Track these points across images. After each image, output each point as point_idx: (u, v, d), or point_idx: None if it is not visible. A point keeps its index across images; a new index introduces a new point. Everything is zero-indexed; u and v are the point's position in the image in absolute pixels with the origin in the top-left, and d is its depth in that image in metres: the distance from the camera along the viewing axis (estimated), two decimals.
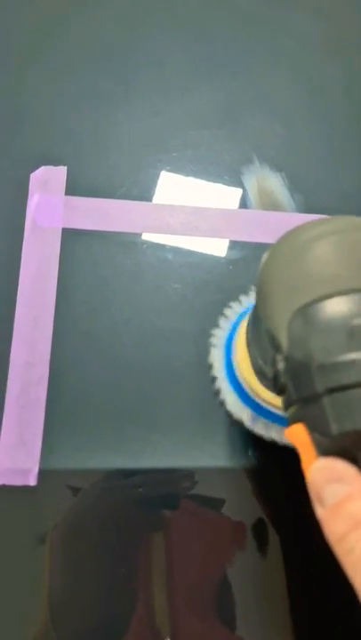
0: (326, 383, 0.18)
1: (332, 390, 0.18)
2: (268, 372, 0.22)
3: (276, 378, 0.21)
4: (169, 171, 0.38)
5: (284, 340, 0.20)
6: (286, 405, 0.21)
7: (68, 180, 0.37)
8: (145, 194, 0.37)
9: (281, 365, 0.20)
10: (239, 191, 0.37)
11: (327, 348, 0.18)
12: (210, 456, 0.32)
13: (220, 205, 0.37)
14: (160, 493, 0.31)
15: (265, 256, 0.22)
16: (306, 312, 0.19)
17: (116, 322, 0.34)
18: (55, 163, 0.37)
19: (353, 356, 0.18)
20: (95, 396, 0.33)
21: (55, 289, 0.34)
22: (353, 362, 0.18)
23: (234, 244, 0.36)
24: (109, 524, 0.30)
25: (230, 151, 0.38)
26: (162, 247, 0.36)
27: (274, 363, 0.21)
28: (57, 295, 0.34)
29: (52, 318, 0.34)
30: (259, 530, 0.30)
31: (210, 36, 0.42)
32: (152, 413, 0.32)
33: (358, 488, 0.17)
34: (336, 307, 0.19)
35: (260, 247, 0.36)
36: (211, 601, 0.29)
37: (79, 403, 0.32)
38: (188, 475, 0.31)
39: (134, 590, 0.29)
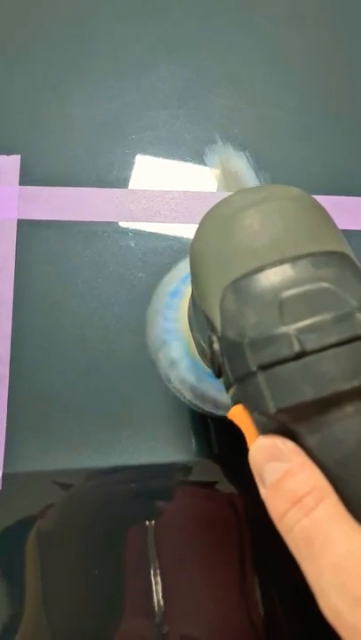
0: (258, 360, 0.17)
1: (265, 367, 0.17)
2: (208, 353, 0.21)
3: (213, 359, 0.20)
4: (128, 155, 0.36)
5: (217, 318, 0.19)
6: (226, 387, 0.20)
7: (23, 170, 0.35)
8: (104, 180, 0.35)
9: (216, 346, 0.19)
10: (202, 172, 0.36)
11: (258, 323, 0.18)
12: (182, 450, 0.31)
13: (182, 188, 0.35)
14: (134, 490, 0.30)
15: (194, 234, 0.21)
16: (236, 288, 0.18)
17: (78, 316, 0.33)
18: (8, 152, 0.35)
19: (283, 329, 0.17)
20: (59, 394, 0.31)
21: (12, 284, 0.33)
22: (283, 335, 0.17)
23: None
24: (81, 524, 0.29)
25: (192, 131, 0.37)
26: (124, 235, 0.34)
27: (210, 344, 0.20)
28: (14, 290, 0.33)
29: (11, 315, 0.32)
30: (247, 514, 0.29)
31: (166, 14, 0.40)
32: (121, 410, 0.31)
33: (297, 463, 0.17)
34: (265, 280, 0.18)
35: None
36: (204, 587, 0.29)
37: (43, 402, 0.31)
38: (161, 470, 0.30)
39: (122, 583, 0.28)
